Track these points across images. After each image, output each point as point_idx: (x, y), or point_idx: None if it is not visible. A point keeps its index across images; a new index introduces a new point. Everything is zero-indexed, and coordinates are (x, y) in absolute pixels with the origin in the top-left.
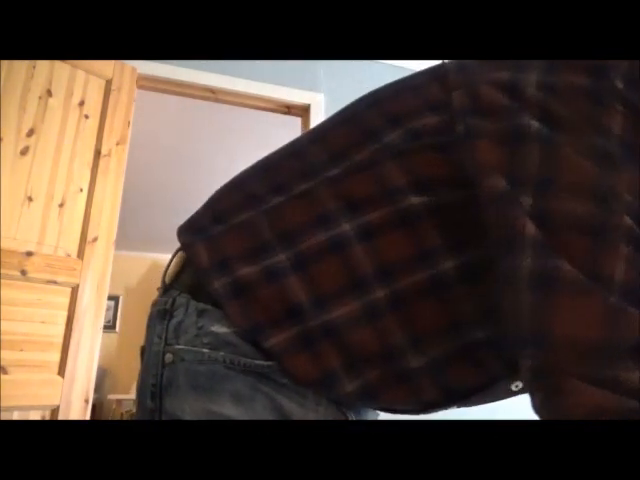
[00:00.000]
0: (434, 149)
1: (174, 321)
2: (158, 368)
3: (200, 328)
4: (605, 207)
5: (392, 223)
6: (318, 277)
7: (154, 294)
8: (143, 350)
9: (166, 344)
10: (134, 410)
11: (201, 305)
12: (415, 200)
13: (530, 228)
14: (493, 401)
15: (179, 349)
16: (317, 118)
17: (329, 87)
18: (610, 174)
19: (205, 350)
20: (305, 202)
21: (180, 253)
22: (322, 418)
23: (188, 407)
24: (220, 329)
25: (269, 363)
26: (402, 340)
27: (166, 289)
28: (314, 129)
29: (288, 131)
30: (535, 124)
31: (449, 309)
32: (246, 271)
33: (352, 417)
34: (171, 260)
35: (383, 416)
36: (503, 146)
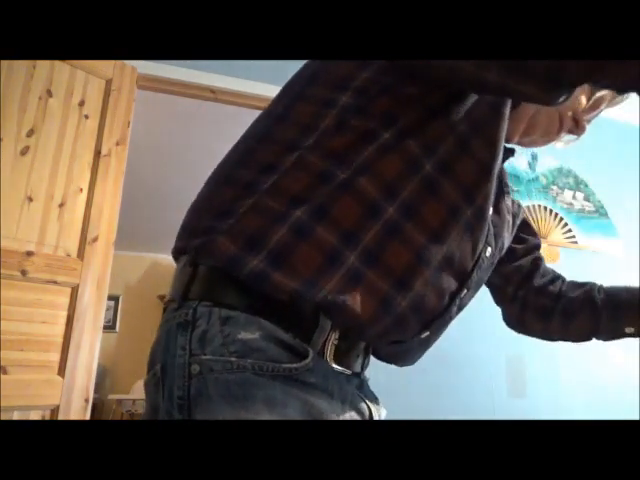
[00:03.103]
0: (381, 93)
1: (197, 331)
2: (185, 380)
3: (226, 336)
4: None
5: (381, 153)
6: (339, 217)
7: (154, 294)
8: (163, 367)
9: (191, 355)
10: (133, 410)
11: (224, 312)
12: (389, 133)
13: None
14: None
15: (206, 359)
16: None
17: None
18: None
19: (233, 359)
20: (300, 169)
21: (183, 267)
22: (348, 412)
23: (222, 418)
24: (247, 336)
25: (296, 365)
26: (424, 241)
27: (180, 303)
28: (267, 112)
29: None
30: None
31: (444, 200)
32: (277, 236)
33: (372, 409)
34: (176, 276)
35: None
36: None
